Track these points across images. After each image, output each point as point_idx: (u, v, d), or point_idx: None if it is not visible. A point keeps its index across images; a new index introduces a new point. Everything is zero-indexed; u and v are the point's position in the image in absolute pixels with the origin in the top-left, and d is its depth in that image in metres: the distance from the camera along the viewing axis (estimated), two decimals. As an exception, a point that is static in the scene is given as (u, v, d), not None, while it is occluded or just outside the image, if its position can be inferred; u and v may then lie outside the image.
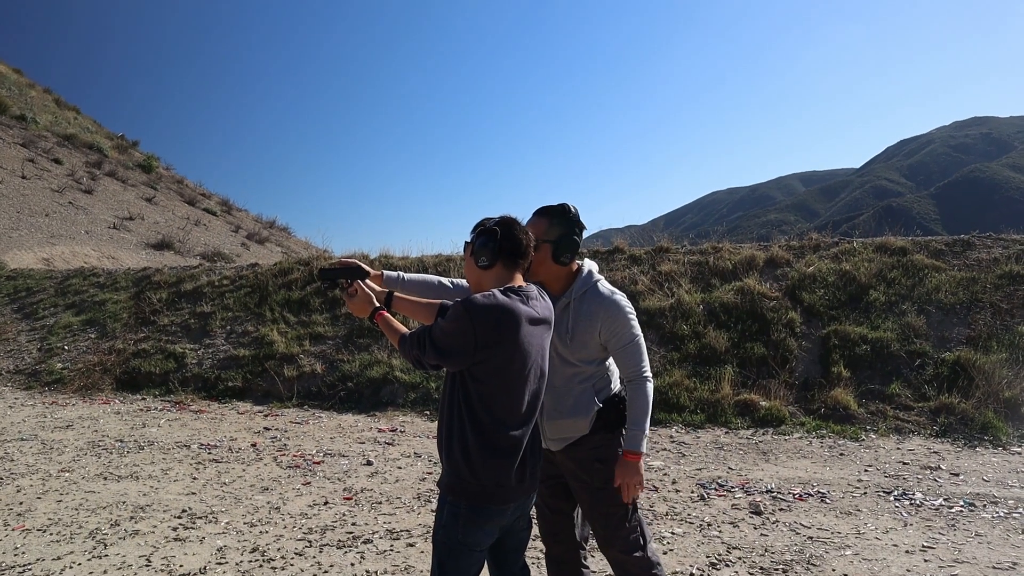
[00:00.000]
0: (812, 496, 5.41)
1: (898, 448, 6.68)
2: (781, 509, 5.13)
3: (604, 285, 2.88)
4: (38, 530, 4.73)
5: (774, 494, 5.46)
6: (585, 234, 2.98)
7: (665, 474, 6.04)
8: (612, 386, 2.88)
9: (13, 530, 4.73)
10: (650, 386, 2.79)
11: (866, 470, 6.05)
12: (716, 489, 5.61)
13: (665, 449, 6.86)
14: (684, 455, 6.64)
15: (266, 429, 7.92)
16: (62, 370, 10.91)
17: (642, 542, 2.84)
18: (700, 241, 11.73)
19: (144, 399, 9.76)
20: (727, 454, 6.65)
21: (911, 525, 4.76)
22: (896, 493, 5.42)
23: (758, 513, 5.04)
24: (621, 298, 2.84)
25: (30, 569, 4.09)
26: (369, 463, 6.46)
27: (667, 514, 5.05)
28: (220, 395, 9.76)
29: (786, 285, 9.42)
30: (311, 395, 9.46)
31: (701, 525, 4.82)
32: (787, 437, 7.15)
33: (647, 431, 2.79)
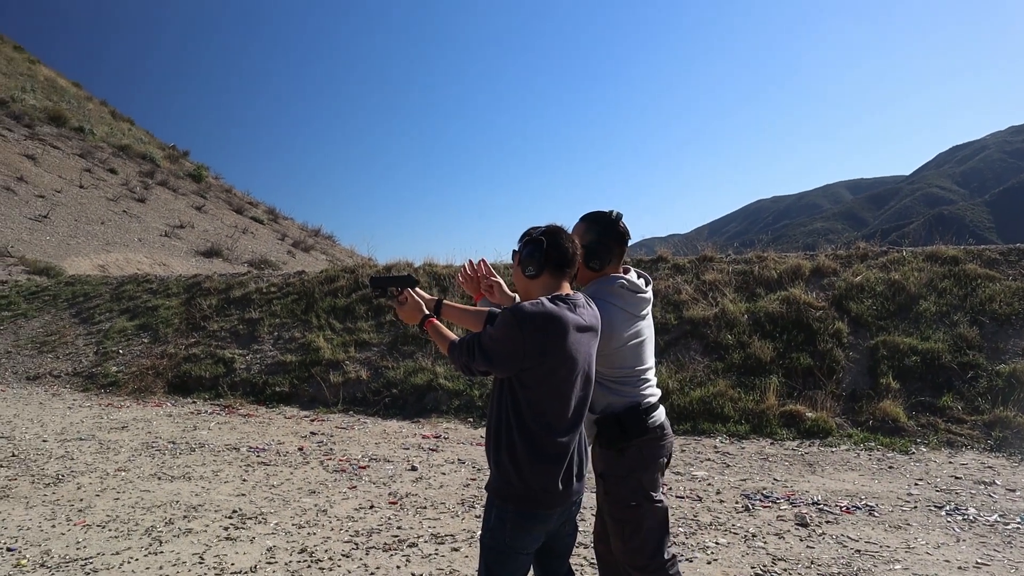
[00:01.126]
0: (860, 509, 5.33)
1: (950, 462, 6.54)
2: (828, 521, 5.07)
3: (592, 290, 2.89)
4: (98, 526, 4.90)
5: (821, 506, 5.39)
6: (628, 243, 3.00)
7: (709, 484, 6.00)
8: (619, 400, 2.85)
9: (75, 525, 4.91)
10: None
11: (916, 484, 5.94)
12: (761, 500, 5.56)
13: (709, 459, 6.81)
14: (728, 466, 6.59)
15: (312, 434, 8.06)
16: (117, 373, 11.24)
17: (653, 554, 2.84)
18: (744, 250, 11.63)
19: (195, 402, 10.00)
20: (772, 465, 6.58)
21: (964, 541, 4.67)
22: (948, 508, 5.31)
23: (804, 525, 4.98)
24: (605, 302, 2.82)
25: (91, 562, 4.25)
26: (414, 468, 6.54)
27: (711, 524, 5.02)
28: (268, 400, 9.96)
29: (833, 295, 9.29)
30: (356, 401, 9.60)
31: (746, 536, 4.79)
32: (834, 449, 7.04)
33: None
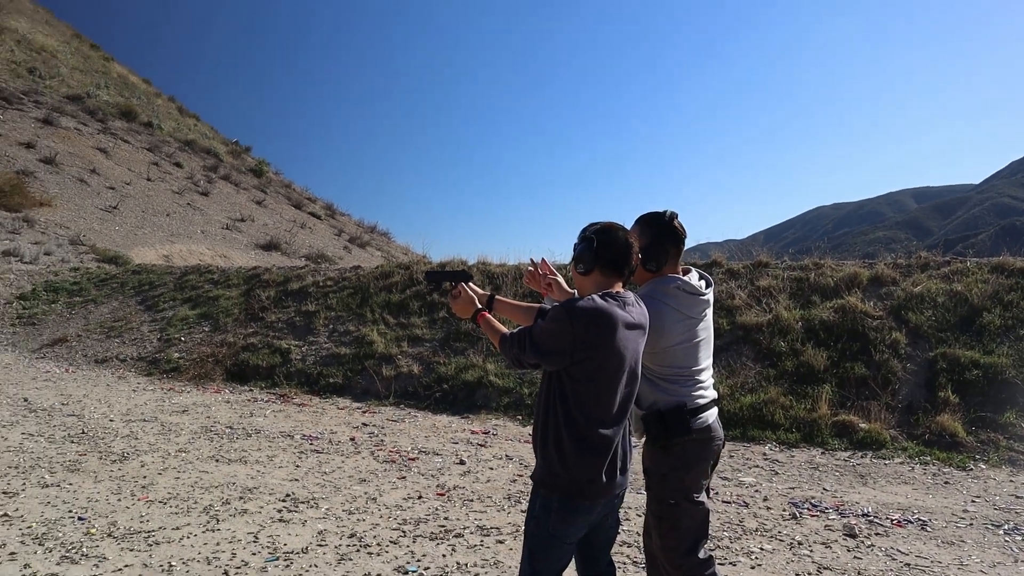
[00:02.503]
0: (911, 523, 5.23)
1: (1011, 480, 6.35)
2: (877, 534, 4.99)
3: (647, 290, 2.91)
4: (159, 502, 5.12)
5: (870, 518, 5.31)
6: (684, 242, 3.03)
7: (756, 491, 5.96)
8: (666, 398, 2.87)
9: (139, 500, 5.14)
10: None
11: (973, 501, 5.79)
12: (809, 509, 5.50)
13: (757, 466, 6.76)
14: (777, 473, 6.52)
15: (364, 425, 8.23)
16: (179, 359, 11.63)
17: (688, 552, 2.86)
18: (801, 257, 11.44)
19: (251, 390, 10.28)
20: (822, 475, 6.49)
21: (1023, 562, 4.55)
22: (1007, 527, 5.17)
23: (852, 536, 4.91)
24: (657, 301, 2.85)
25: (153, 535, 4.45)
26: (462, 462, 6.64)
27: (757, 530, 4.99)
28: (322, 390, 10.19)
29: (891, 304, 9.09)
30: (407, 395, 9.75)
31: (792, 544, 4.75)
32: (887, 461, 6.91)
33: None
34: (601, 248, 2.59)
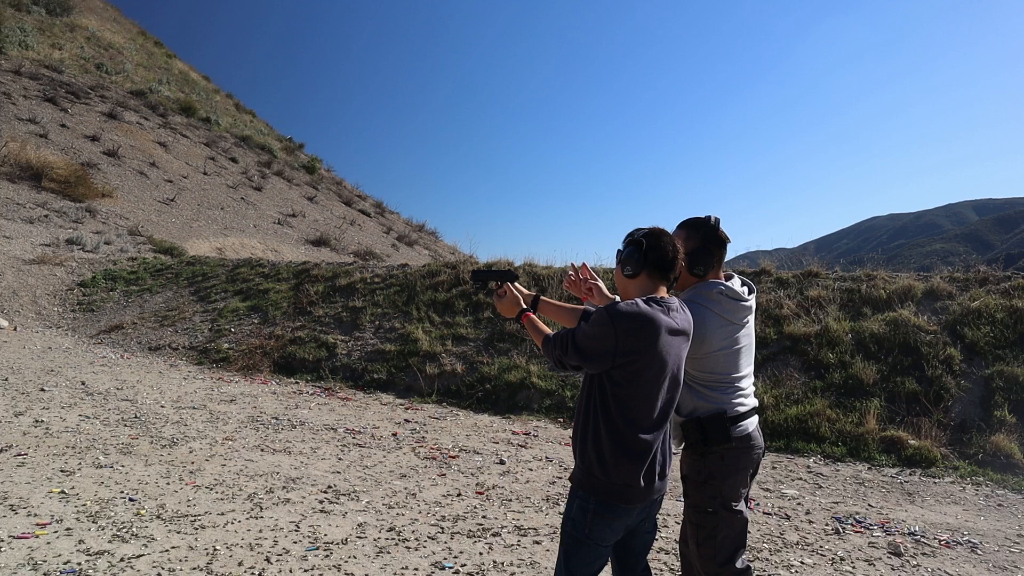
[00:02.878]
0: (961, 545, 5.09)
1: (1066, 504, 6.13)
2: (924, 554, 4.87)
3: (690, 295, 2.91)
4: (206, 487, 5.25)
5: (917, 537, 5.18)
6: (731, 254, 3.02)
7: (799, 504, 5.86)
8: (706, 405, 2.87)
9: (186, 484, 5.28)
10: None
11: (1026, 523, 5.61)
12: (853, 525, 5.39)
13: (801, 479, 6.64)
14: (821, 487, 6.40)
15: (406, 421, 8.31)
16: (228, 350, 11.88)
17: (725, 562, 2.85)
18: (853, 268, 11.21)
19: (297, 383, 10.46)
20: (868, 490, 6.35)
21: (1075, 587, 4.40)
22: (1060, 552, 5.00)
23: (898, 554, 4.80)
24: (700, 306, 2.85)
25: (200, 519, 4.57)
26: (502, 462, 6.66)
27: (797, 543, 4.91)
28: (365, 385, 10.31)
29: (946, 319, 8.84)
30: (450, 393, 9.82)
31: (833, 559, 4.66)
32: (937, 480, 6.73)
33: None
34: (650, 252, 2.59)
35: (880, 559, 4.70)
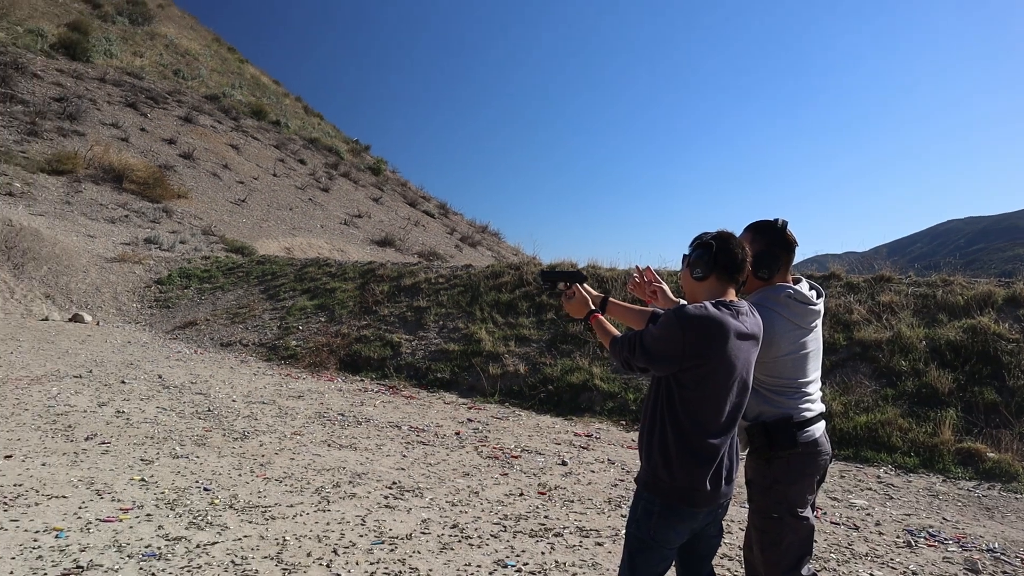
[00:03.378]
0: (1044, 562, 4.87)
1: None
2: (1005, 572, 4.68)
3: (758, 298, 2.87)
4: (276, 480, 5.41)
5: (997, 555, 4.98)
6: (799, 257, 2.98)
7: (868, 514, 5.70)
8: (772, 410, 2.83)
9: (257, 476, 5.45)
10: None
11: (1115, 543, 5.34)
12: (926, 538, 5.21)
13: (870, 489, 6.45)
14: (891, 498, 6.21)
15: (469, 420, 8.39)
16: (296, 347, 12.19)
17: (790, 569, 2.80)
18: (928, 273, 10.84)
19: (362, 380, 10.65)
20: (942, 503, 6.13)
21: None
22: None
23: (975, 572, 4.63)
24: (769, 309, 2.81)
25: (270, 511, 4.71)
26: (564, 463, 6.67)
27: (867, 555, 4.78)
28: (429, 384, 10.44)
29: (1030, 328, 8.47)
30: (512, 393, 9.86)
31: (905, 572, 4.52)
32: (1018, 496, 6.45)
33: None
34: (719, 254, 2.58)
35: (956, 575, 4.55)
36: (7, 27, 29.94)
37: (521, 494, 5.61)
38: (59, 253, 15.78)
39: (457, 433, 7.66)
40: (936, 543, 5.13)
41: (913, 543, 5.09)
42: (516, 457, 6.80)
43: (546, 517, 5.08)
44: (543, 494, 5.66)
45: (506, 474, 6.17)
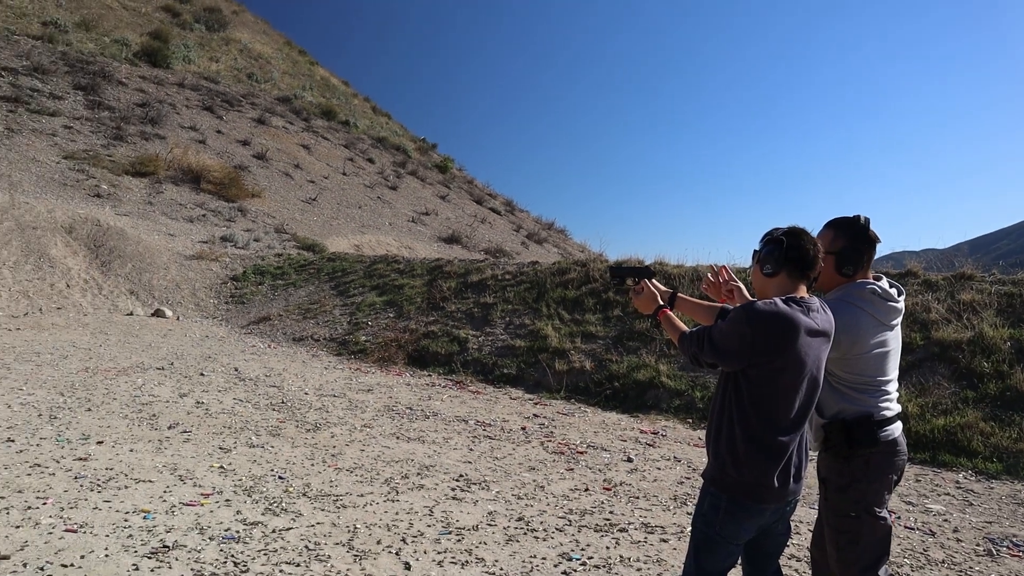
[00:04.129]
0: None
1: None
2: (1094, 580, 4.48)
3: (841, 295, 2.83)
4: (346, 470, 5.57)
5: (1087, 562, 4.76)
6: (878, 252, 2.94)
7: (946, 520, 5.52)
8: (852, 407, 2.78)
9: (329, 467, 5.62)
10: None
11: None
12: (1009, 548, 5.02)
13: (948, 494, 6.24)
14: (971, 504, 5.99)
15: (535, 416, 8.44)
16: (365, 342, 12.45)
17: (867, 569, 2.75)
18: (1015, 270, 10.38)
19: (430, 375, 10.82)
20: (1028, 509, 5.89)
21: None
22: None
23: (1063, 580, 4.44)
24: (853, 306, 2.78)
25: (341, 499, 4.86)
26: (629, 460, 6.65)
27: (943, 562, 4.64)
28: (496, 380, 10.53)
29: (1125, 327, 8.04)
30: (578, 389, 9.87)
31: (987, 578, 4.37)
32: (1110, 502, 6.15)
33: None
34: (790, 250, 2.56)
35: (1040, 582, 4.38)
36: (96, 38, 31.39)
37: (586, 489, 5.63)
38: (142, 251, 16.48)
39: (523, 428, 7.72)
40: (1020, 553, 4.94)
41: (995, 552, 4.90)
42: (582, 453, 6.82)
43: (611, 512, 5.09)
44: (608, 490, 5.66)
45: (571, 469, 6.20)
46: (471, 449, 6.64)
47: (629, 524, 4.86)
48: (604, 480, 5.93)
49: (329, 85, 44.33)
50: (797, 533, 4.85)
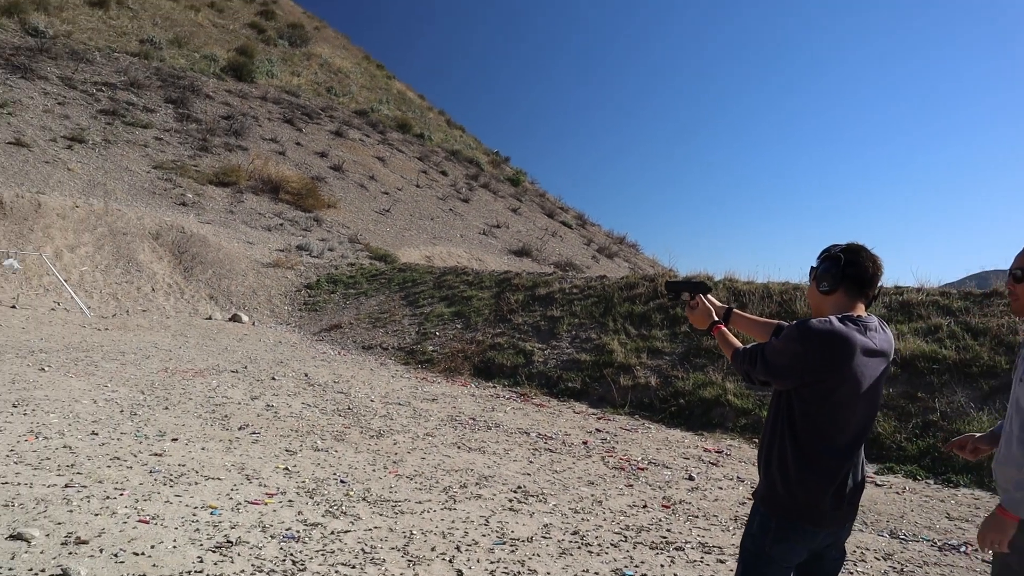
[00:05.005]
0: None
1: None
2: None
3: None
4: (407, 477, 5.65)
5: None
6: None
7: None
8: None
9: (389, 473, 5.72)
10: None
11: None
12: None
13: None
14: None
15: (597, 430, 8.39)
16: (432, 352, 12.62)
17: None
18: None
19: (495, 387, 10.89)
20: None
21: None
22: None
23: None
24: None
25: (399, 506, 4.94)
26: (691, 478, 6.55)
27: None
28: (560, 393, 10.52)
29: None
30: (642, 405, 9.77)
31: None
32: None
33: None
34: (848, 267, 2.49)
35: None
36: (187, 54, 32.91)
37: (645, 506, 5.57)
38: (222, 258, 17.13)
39: (585, 442, 7.69)
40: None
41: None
42: (642, 469, 6.75)
43: (668, 530, 5.02)
44: (667, 507, 5.59)
45: (631, 485, 6.14)
46: (531, 461, 6.65)
47: (686, 543, 4.79)
48: (663, 497, 5.86)
49: (405, 98, 45.27)
50: (863, 560, 4.69)
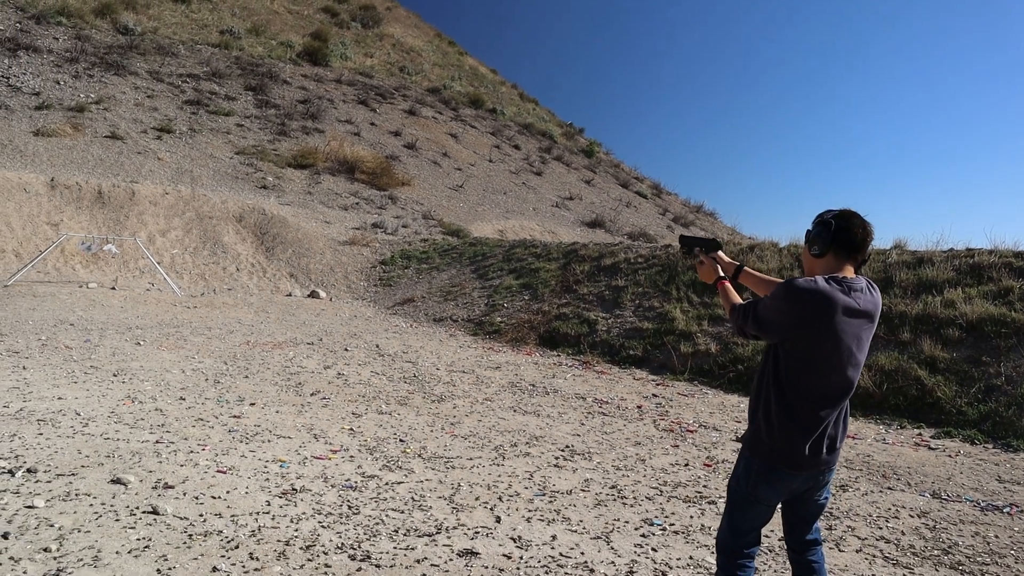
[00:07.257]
0: None
1: None
2: None
3: None
4: (462, 437, 6.07)
5: None
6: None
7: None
8: None
9: (446, 433, 6.15)
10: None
11: None
12: None
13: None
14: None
15: (653, 395, 8.62)
16: (500, 323, 13.02)
17: None
18: None
19: (558, 356, 11.21)
20: None
21: None
22: None
23: None
24: None
25: (451, 462, 5.36)
26: (738, 439, 6.74)
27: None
28: (621, 361, 10.76)
29: None
30: (702, 372, 9.92)
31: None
32: None
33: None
34: (838, 232, 2.64)
35: None
36: (264, 42, 34.06)
37: (687, 464, 5.81)
38: (300, 238, 17.95)
39: (639, 407, 7.94)
40: None
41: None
42: (692, 431, 6.97)
43: (704, 487, 5.26)
44: (708, 466, 5.82)
45: (677, 446, 6.39)
46: (583, 424, 6.96)
47: (720, 498, 5.01)
48: (707, 457, 6.08)
49: (477, 74, 45.56)
50: (895, 517, 4.82)
